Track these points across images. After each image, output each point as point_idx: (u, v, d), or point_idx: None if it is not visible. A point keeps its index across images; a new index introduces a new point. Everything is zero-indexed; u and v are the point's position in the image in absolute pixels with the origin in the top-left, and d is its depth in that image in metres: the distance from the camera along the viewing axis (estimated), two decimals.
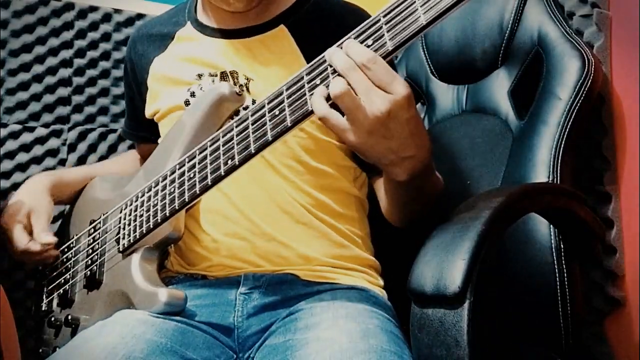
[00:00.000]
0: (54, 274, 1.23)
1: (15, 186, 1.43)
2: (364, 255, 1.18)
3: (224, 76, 1.16)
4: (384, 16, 0.83)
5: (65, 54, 1.53)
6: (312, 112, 0.86)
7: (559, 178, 1.09)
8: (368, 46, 0.83)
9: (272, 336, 1.02)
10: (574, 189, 1.06)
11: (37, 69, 1.49)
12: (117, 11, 1.59)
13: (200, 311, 1.05)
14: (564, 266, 1.04)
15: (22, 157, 1.46)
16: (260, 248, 1.11)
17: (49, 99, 1.50)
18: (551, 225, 1.05)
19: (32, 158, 1.47)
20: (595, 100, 1.17)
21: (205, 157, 0.99)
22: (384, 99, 0.81)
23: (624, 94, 1.21)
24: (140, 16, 1.62)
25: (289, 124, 0.88)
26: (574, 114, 1.12)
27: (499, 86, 1.30)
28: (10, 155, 1.45)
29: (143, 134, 1.38)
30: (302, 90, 0.88)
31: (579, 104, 1.12)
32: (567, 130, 1.11)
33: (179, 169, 1.03)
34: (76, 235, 1.23)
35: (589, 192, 1.21)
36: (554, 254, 1.05)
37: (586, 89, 1.12)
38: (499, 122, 1.27)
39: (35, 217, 1.21)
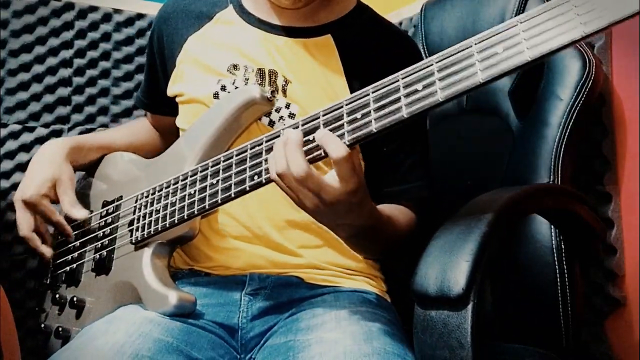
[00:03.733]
0: (62, 249, 1.22)
1: (15, 186, 1.42)
2: (370, 263, 1.18)
3: (260, 73, 1.12)
4: (437, 62, 0.79)
5: (65, 54, 1.53)
6: (348, 147, 0.84)
7: (559, 178, 1.09)
8: (417, 90, 0.79)
9: (273, 336, 1.01)
10: (575, 190, 1.06)
11: (37, 69, 1.49)
12: (117, 11, 1.59)
13: (205, 310, 1.04)
14: (565, 266, 1.04)
15: (22, 157, 1.47)
16: (268, 254, 1.10)
17: (49, 99, 1.51)
18: (552, 226, 1.05)
19: (32, 158, 1.46)
20: (595, 101, 1.17)
21: (230, 167, 0.97)
22: (331, 195, 0.86)
23: (624, 94, 1.21)
24: (140, 16, 1.62)
25: (323, 154, 0.86)
26: (575, 114, 1.12)
27: (499, 86, 1.29)
28: (10, 155, 1.46)
29: (158, 105, 1.33)
30: (340, 122, 0.86)
31: (579, 105, 1.12)
32: (568, 130, 1.11)
33: (200, 172, 1.01)
34: (88, 213, 1.21)
35: (589, 192, 1.22)
36: (555, 254, 1.05)
37: (587, 89, 1.12)
38: (499, 122, 1.27)
39: (62, 189, 1.18)
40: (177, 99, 1.21)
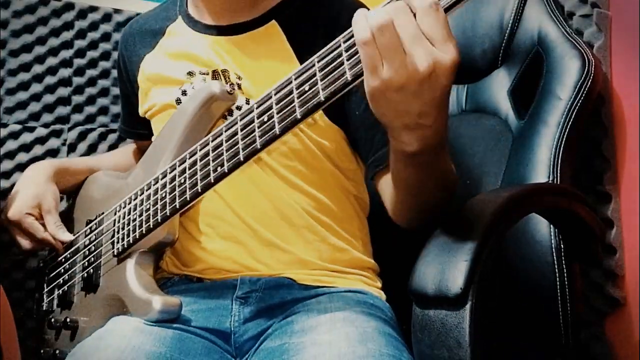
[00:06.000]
0: (53, 273, 1.23)
1: None
2: (362, 257, 1.16)
3: (215, 75, 1.14)
4: None
5: (65, 54, 1.53)
6: (300, 120, 0.83)
7: (559, 178, 1.09)
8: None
9: (268, 339, 1.01)
10: (575, 189, 1.06)
11: (37, 69, 1.49)
12: (117, 11, 1.59)
13: (196, 316, 1.03)
14: (564, 266, 1.04)
15: (22, 157, 1.46)
16: (258, 252, 1.10)
17: (49, 99, 1.50)
18: (551, 225, 1.05)
19: (32, 158, 1.47)
20: (595, 100, 1.17)
21: (195, 163, 0.98)
22: (430, 56, 0.70)
23: (624, 94, 1.21)
24: None
25: (278, 132, 0.86)
26: (574, 114, 1.12)
27: (499, 86, 1.30)
28: (10, 155, 1.45)
29: (140, 131, 1.35)
30: (290, 97, 0.84)
31: (579, 104, 1.12)
32: (567, 130, 1.11)
33: (169, 173, 1.02)
34: (74, 234, 1.23)
35: (589, 192, 1.22)
36: (554, 254, 1.04)
37: (586, 89, 1.12)
38: (499, 122, 1.27)
39: (46, 209, 1.20)
40: (147, 115, 1.23)
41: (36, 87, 1.49)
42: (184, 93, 1.15)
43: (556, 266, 1.04)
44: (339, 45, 0.80)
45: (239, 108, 1.11)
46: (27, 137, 1.48)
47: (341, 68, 0.79)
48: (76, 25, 1.54)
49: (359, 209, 1.20)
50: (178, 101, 1.16)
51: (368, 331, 0.94)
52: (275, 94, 0.87)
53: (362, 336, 0.92)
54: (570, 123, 1.11)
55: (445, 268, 0.76)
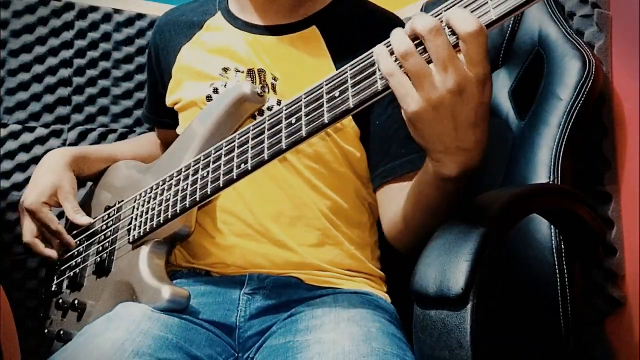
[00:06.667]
0: (67, 255, 1.24)
1: (15, 186, 1.44)
2: (371, 263, 1.18)
3: (250, 74, 1.15)
4: None
5: (65, 54, 1.53)
6: (327, 124, 0.85)
7: (559, 178, 1.09)
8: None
9: (272, 337, 1.02)
10: (575, 190, 1.06)
11: (37, 69, 1.50)
12: (117, 11, 1.60)
13: (202, 309, 1.05)
14: (565, 266, 1.04)
15: (22, 157, 1.47)
16: (269, 252, 1.11)
17: (49, 99, 1.51)
18: (552, 226, 1.05)
19: (32, 158, 1.47)
20: (595, 101, 1.16)
21: (219, 158, 0.99)
22: (457, 74, 0.72)
23: (625, 94, 1.21)
24: (140, 16, 1.62)
25: (304, 135, 0.87)
26: (575, 114, 1.11)
27: (499, 86, 1.30)
28: (10, 155, 1.46)
29: (164, 119, 1.36)
30: (319, 101, 0.86)
31: (579, 105, 1.12)
32: (568, 130, 1.11)
33: (193, 166, 1.03)
34: (91, 219, 1.23)
35: (589, 192, 1.21)
36: (555, 254, 1.04)
37: (587, 89, 1.12)
38: (499, 122, 1.27)
39: (64, 197, 1.21)
40: (175, 107, 1.24)
41: (36, 87, 1.49)
42: (216, 91, 1.16)
43: (557, 266, 1.04)
44: (371, 56, 0.82)
45: (269, 108, 1.12)
46: (27, 137, 1.48)
47: (372, 77, 0.81)
48: (76, 25, 1.54)
49: (372, 216, 1.21)
50: (209, 98, 1.16)
51: (372, 331, 0.95)
52: (305, 98, 0.89)
53: (367, 335, 0.93)
54: (570, 123, 1.11)
55: (446, 268, 0.76)
